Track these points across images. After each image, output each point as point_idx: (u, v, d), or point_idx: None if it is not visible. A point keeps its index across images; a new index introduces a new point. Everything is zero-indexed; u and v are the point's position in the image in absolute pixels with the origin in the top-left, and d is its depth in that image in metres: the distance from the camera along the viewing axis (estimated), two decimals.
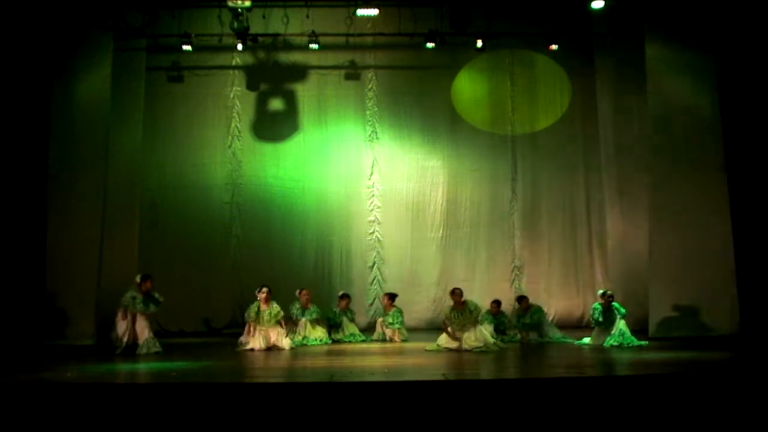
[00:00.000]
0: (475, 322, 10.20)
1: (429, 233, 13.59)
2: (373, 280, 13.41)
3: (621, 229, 12.96)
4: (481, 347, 9.91)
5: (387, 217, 13.58)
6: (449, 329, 10.24)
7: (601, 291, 10.92)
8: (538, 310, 11.50)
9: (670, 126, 11.56)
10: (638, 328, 11.09)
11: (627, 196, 12.96)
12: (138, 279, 10.05)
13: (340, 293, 12.05)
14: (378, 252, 13.50)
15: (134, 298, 9.88)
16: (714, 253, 11.09)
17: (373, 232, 13.57)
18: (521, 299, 11.66)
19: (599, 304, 10.59)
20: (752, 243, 9.31)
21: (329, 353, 10.14)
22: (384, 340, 11.50)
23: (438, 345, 10.17)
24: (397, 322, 11.57)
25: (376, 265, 13.44)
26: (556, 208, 13.65)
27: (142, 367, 8.84)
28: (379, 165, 13.67)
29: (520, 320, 11.42)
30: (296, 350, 10.40)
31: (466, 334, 10.06)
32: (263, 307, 10.52)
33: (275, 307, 10.59)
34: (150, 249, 12.95)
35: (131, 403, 6.73)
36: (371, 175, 13.67)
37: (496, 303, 11.65)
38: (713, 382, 7.20)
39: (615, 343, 10.15)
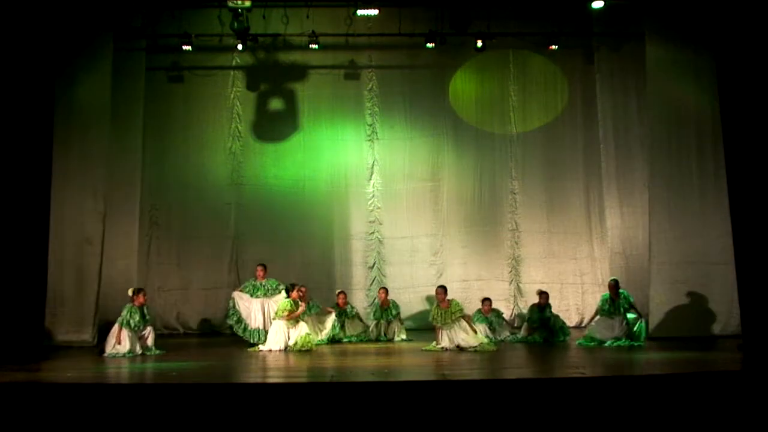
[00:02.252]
0: (456, 320, 10.14)
1: (429, 233, 13.57)
2: (374, 280, 13.39)
3: (621, 229, 12.97)
4: (476, 347, 9.91)
5: (387, 217, 13.58)
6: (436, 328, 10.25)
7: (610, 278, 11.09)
8: (552, 313, 11.40)
9: (670, 126, 11.55)
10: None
11: (627, 196, 12.97)
12: (131, 293, 10.11)
13: (338, 291, 12.07)
14: (378, 252, 13.50)
15: (131, 314, 9.88)
16: (714, 253, 11.10)
17: (373, 233, 13.56)
18: (542, 294, 11.50)
19: (607, 293, 10.70)
20: (753, 243, 9.28)
21: (329, 353, 10.14)
22: (385, 340, 11.51)
23: (434, 345, 10.17)
24: (396, 313, 11.65)
25: (376, 265, 13.43)
26: (555, 207, 13.62)
27: (142, 367, 8.84)
28: (379, 165, 13.67)
29: (537, 315, 11.27)
30: (298, 351, 10.34)
31: (459, 334, 10.05)
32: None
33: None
34: (150, 249, 12.98)
35: (131, 403, 6.73)
36: (371, 175, 13.67)
37: (488, 302, 11.61)
38: (714, 383, 7.20)
39: (621, 344, 10.22)
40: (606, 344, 10.31)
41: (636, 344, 10.25)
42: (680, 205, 11.41)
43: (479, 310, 11.39)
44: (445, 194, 13.65)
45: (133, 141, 12.54)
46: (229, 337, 11.35)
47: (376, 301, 12.24)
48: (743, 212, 9.47)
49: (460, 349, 9.94)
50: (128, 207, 12.42)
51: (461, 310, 10.28)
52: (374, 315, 11.90)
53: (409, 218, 13.61)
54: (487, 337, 10.63)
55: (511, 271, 13.49)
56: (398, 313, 11.76)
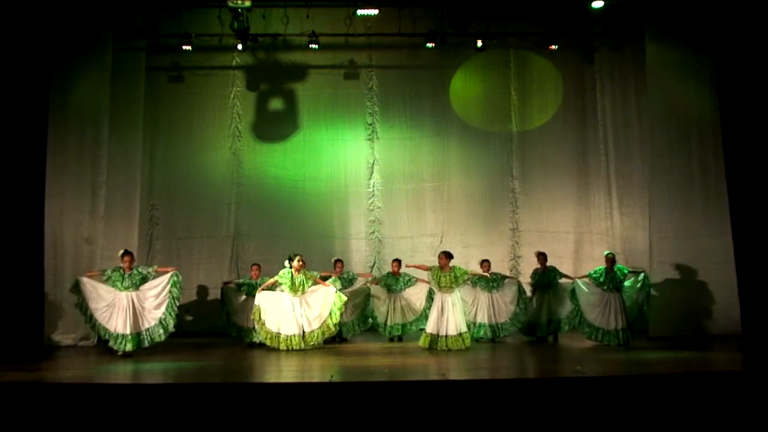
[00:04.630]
0: (457, 285, 10.29)
1: (429, 233, 13.57)
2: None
3: (621, 229, 12.98)
4: (459, 336, 9.97)
5: (387, 217, 13.58)
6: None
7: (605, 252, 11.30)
8: (554, 270, 11.53)
9: (670, 126, 11.57)
10: (638, 328, 11.10)
11: (627, 196, 12.98)
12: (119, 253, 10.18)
13: (334, 259, 12.04)
14: (378, 252, 13.50)
15: (112, 271, 9.93)
16: (714, 252, 11.12)
17: (373, 232, 13.57)
18: (539, 256, 11.66)
19: (602, 267, 10.92)
20: (753, 243, 9.29)
21: (329, 353, 10.13)
22: (392, 338, 11.55)
23: (426, 335, 10.18)
24: (408, 279, 11.71)
25: (376, 265, 13.42)
26: (555, 207, 13.62)
27: (142, 367, 8.84)
28: (379, 164, 13.67)
29: (536, 279, 11.49)
30: (295, 350, 10.32)
31: (451, 312, 10.10)
32: (296, 274, 10.55)
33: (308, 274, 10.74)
34: (150, 249, 12.98)
35: (131, 403, 6.73)
36: (371, 174, 13.67)
37: (487, 263, 11.59)
38: (714, 383, 7.21)
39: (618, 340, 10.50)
40: (604, 340, 10.62)
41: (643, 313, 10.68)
42: (680, 205, 11.44)
43: (474, 273, 11.25)
44: (445, 194, 13.65)
45: (133, 141, 12.52)
46: (229, 337, 11.35)
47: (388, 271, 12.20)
48: (743, 212, 9.48)
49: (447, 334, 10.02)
50: (128, 207, 12.39)
51: (466, 273, 10.41)
52: (384, 283, 11.88)
53: (409, 218, 13.61)
54: (474, 324, 10.88)
55: (511, 271, 13.45)
56: (410, 279, 11.75)
